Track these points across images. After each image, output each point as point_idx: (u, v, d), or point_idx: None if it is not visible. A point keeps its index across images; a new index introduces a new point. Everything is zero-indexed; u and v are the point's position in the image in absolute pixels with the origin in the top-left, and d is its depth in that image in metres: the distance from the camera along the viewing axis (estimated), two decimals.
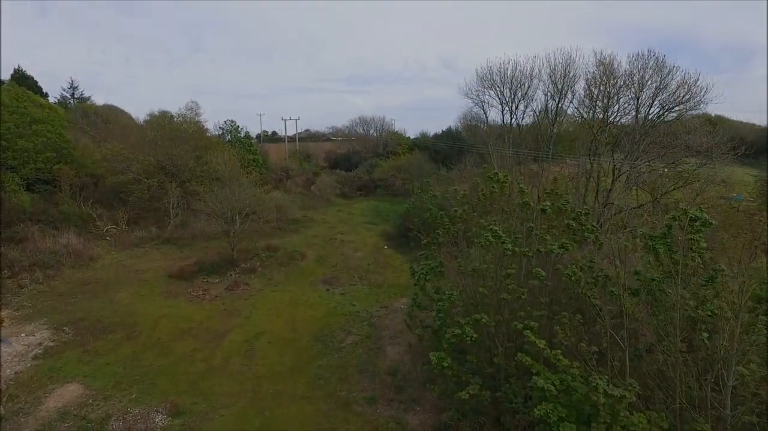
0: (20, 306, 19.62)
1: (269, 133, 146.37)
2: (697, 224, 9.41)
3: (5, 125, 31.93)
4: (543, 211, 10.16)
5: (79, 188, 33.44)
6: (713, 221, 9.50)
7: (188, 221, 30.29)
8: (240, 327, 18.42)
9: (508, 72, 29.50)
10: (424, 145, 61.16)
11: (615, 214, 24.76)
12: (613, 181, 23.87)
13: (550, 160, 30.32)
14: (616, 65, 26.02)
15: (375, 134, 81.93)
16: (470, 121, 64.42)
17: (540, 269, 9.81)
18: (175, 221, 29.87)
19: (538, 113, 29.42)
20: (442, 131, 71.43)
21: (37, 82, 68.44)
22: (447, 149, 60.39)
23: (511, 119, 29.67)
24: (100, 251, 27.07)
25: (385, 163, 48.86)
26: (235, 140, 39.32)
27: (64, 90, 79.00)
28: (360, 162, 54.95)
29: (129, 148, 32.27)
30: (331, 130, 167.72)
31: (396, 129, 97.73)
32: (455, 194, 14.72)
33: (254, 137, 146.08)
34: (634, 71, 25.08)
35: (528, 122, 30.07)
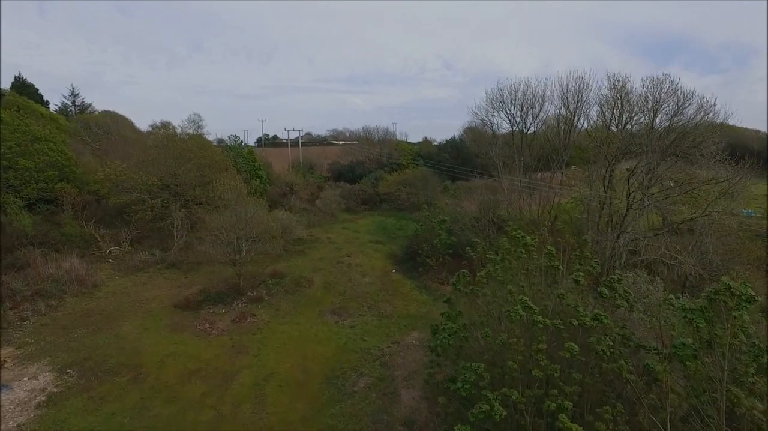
0: (22, 343, 19.09)
1: (270, 136, 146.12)
2: (742, 299, 8.93)
3: (6, 143, 31.39)
4: (576, 281, 9.66)
5: (81, 207, 32.92)
6: (759, 298, 9.02)
7: (192, 243, 29.71)
8: (249, 367, 17.90)
9: (519, 94, 29.02)
10: (428, 155, 60.62)
11: (631, 240, 24.28)
12: (627, 208, 23.36)
13: (562, 178, 29.82)
14: (629, 87, 25.57)
15: (377, 138, 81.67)
16: (476, 130, 64.17)
17: (573, 344, 9.32)
18: (179, 243, 29.33)
19: (549, 134, 28.86)
20: (446, 141, 71.12)
21: (38, 90, 67.97)
22: (452, 160, 59.99)
23: (522, 141, 29.14)
24: (104, 275, 26.54)
25: (390, 176, 48.32)
26: (238, 156, 38.78)
27: (65, 97, 78.53)
28: (364, 174, 54.41)
29: (132, 167, 31.71)
30: (332, 132, 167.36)
31: (398, 134, 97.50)
32: (476, 245, 14.09)
33: (255, 141, 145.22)
34: (648, 96, 24.65)
35: (539, 143, 29.45)
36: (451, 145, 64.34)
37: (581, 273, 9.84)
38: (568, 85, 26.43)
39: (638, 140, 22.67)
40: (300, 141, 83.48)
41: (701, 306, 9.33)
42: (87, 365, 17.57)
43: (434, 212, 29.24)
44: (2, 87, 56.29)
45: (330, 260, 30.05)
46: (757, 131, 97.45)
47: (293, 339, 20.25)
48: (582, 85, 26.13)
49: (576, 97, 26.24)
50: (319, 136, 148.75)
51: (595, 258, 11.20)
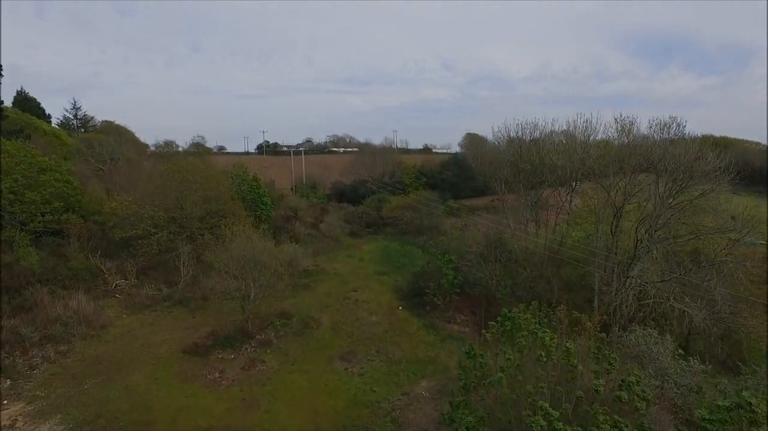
0: (34, 397, 19.08)
1: (271, 143, 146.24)
2: (762, 415, 9.04)
3: (12, 176, 31.36)
4: (596, 391, 9.75)
5: (87, 238, 32.91)
6: None
7: (198, 277, 29.76)
8: (260, 423, 17.93)
9: (527, 132, 29.23)
10: (430, 173, 60.84)
11: (638, 286, 24.37)
12: (634, 253, 23.47)
13: (568, 217, 29.91)
14: (635, 130, 25.76)
15: (379, 146, 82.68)
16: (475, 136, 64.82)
17: None
18: (185, 279, 29.36)
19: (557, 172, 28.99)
20: (449, 156, 71.44)
21: (39, 103, 68.05)
22: (454, 178, 60.31)
23: (529, 181, 29.30)
24: (111, 313, 26.55)
25: (393, 199, 48.49)
26: (243, 183, 38.86)
27: (66, 111, 78.77)
28: (367, 194, 54.54)
29: (137, 199, 31.79)
30: (332, 138, 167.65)
31: (398, 141, 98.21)
32: (490, 327, 14.13)
33: (256, 148, 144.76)
34: (655, 137, 24.83)
35: (548, 180, 29.61)
36: (454, 162, 64.71)
37: (601, 381, 9.94)
38: (575, 129, 26.69)
39: (646, 187, 22.83)
40: (302, 150, 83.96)
41: (721, 418, 9.45)
42: (99, 423, 17.57)
43: (440, 249, 29.34)
44: (4, 104, 56.18)
45: (336, 296, 30.10)
46: (758, 144, 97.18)
47: (303, 390, 20.29)
48: (589, 128, 26.37)
49: (583, 142, 26.48)
50: (319, 144, 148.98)
51: (611, 349, 11.28)
